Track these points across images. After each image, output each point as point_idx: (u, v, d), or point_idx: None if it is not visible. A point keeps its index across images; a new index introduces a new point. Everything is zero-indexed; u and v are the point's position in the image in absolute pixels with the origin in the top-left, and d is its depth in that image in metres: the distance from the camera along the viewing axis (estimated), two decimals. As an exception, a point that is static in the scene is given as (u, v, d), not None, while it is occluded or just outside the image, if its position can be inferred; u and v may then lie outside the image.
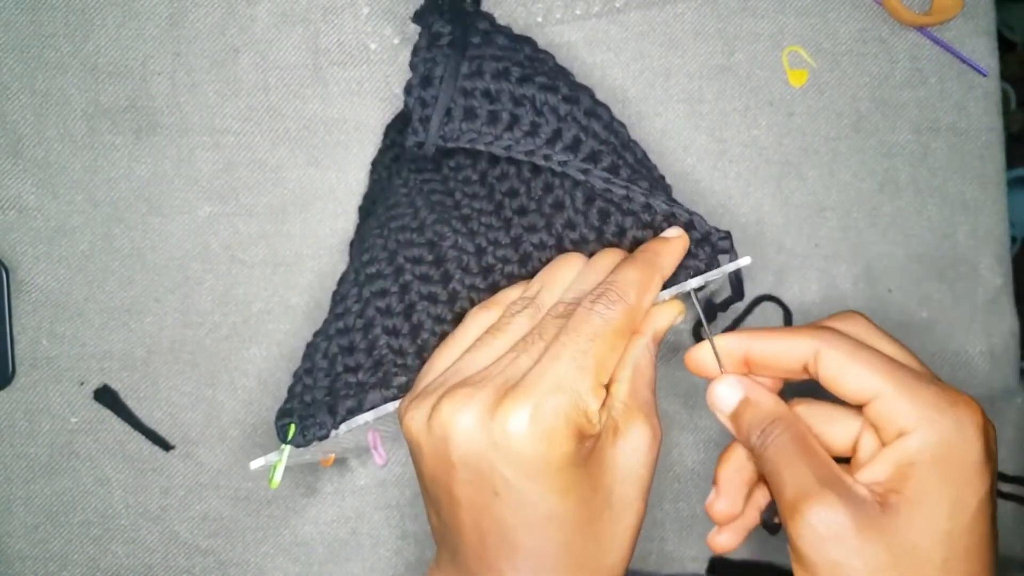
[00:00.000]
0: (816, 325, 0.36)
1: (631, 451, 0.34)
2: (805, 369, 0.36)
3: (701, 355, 0.38)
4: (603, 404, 0.35)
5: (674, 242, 0.38)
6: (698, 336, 0.52)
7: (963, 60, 0.54)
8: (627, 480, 0.34)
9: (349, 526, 0.53)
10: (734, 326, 0.53)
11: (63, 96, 0.53)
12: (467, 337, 0.38)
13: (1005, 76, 0.60)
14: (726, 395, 0.37)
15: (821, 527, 0.32)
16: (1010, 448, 0.55)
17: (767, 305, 0.54)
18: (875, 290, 0.54)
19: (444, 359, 0.37)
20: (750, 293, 0.54)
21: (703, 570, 0.54)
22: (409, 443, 0.36)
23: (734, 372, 0.37)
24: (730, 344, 0.37)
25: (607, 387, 0.35)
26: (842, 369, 0.34)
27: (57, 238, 0.53)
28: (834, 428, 0.36)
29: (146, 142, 0.53)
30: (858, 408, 0.35)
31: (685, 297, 0.39)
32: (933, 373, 0.35)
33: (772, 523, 0.38)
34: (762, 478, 0.39)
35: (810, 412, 0.37)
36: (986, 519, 0.33)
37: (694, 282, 0.38)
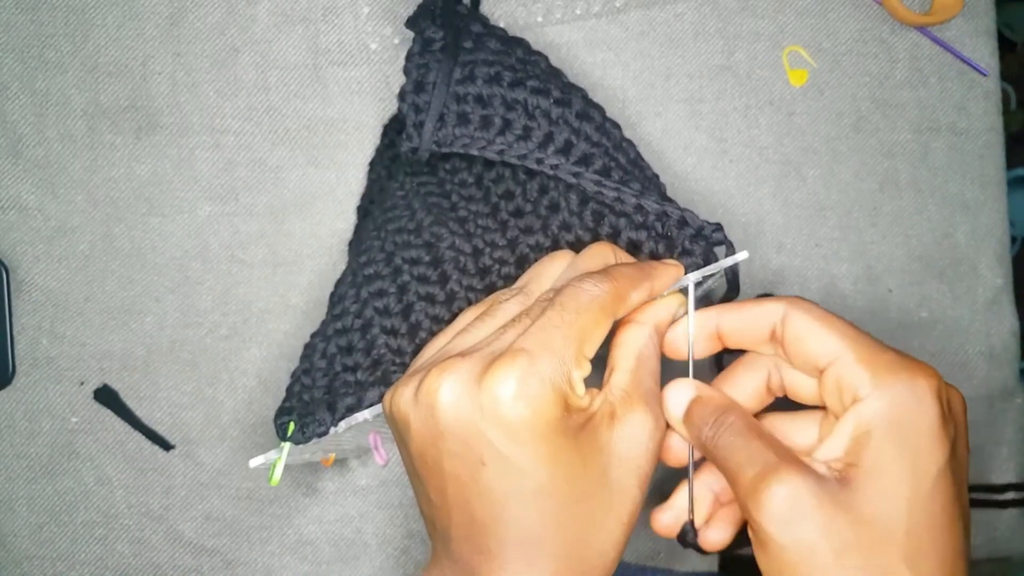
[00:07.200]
0: (783, 296, 0.37)
1: (629, 438, 0.34)
2: (772, 336, 0.36)
3: (676, 334, 0.38)
4: (600, 389, 0.35)
5: (670, 265, 0.39)
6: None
7: (963, 60, 0.54)
8: (624, 466, 0.34)
9: (353, 526, 0.53)
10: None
11: (63, 96, 0.53)
12: (457, 328, 0.38)
13: (1005, 76, 0.60)
14: (676, 396, 0.37)
15: (784, 505, 0.31)
16: (1010, 448, 0.55)
17: (767, 305, 0.54)
18: (875, 290, 0.54)
19: (434, 348, 0.38)
20: (750, 292, 0.54)
21: (714, 567, 0.53)
22: (396, 424, 0.35)
23: (709, 348, 0.38)
24: (702, 320, 0.37)
25: (609, 378, 0.36)
26: (808, 330, 0.34)
27: (57, 238, 0.53)
28: (796, 434, 0.36)
29: (146, 142, 0.53)
30: (820, 405, 0.36)
31: (685, 293, 0.39)
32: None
33: (687, 537, 0.38)
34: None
35: (772, 422, 0.37)
36: (948, 486, 0.32)
37: (692, 276, 0.38)
